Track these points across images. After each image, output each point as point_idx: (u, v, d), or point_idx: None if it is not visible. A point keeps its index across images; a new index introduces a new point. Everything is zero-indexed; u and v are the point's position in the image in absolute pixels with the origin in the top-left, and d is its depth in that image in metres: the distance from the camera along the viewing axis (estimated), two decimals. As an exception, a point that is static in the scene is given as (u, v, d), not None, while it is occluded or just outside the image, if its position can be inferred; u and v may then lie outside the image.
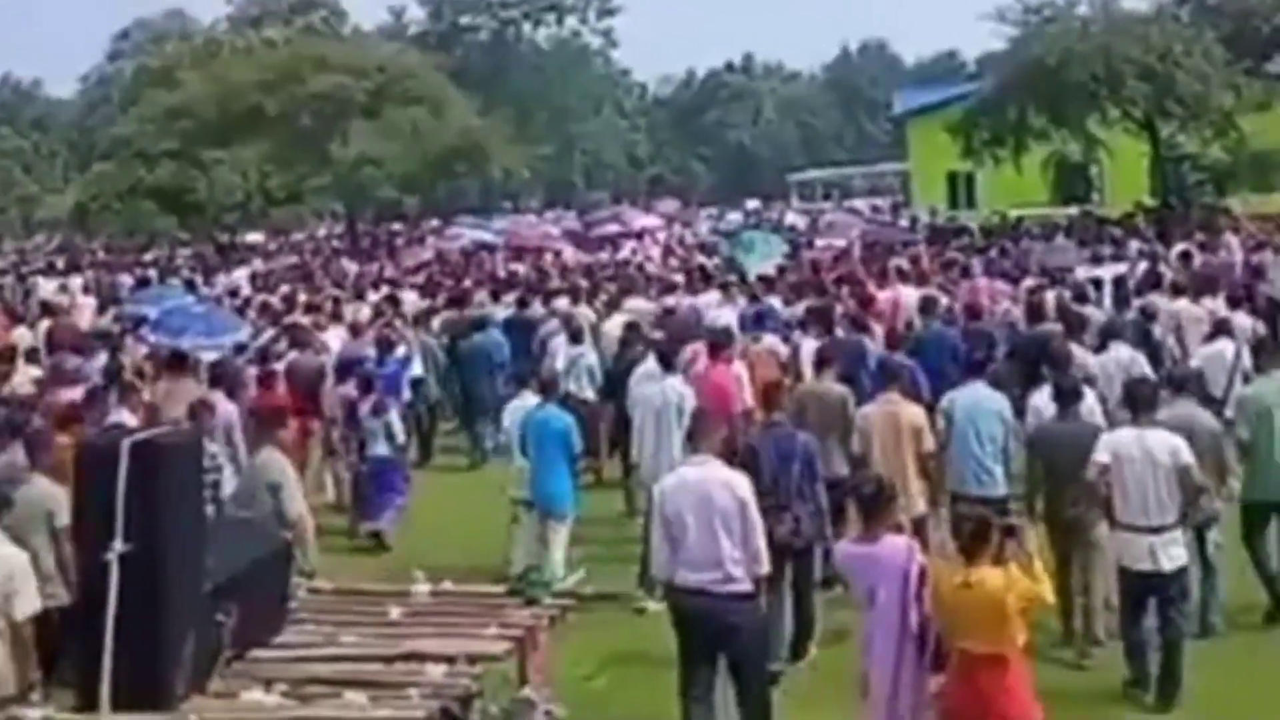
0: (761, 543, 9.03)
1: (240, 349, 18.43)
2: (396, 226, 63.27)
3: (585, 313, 20.60)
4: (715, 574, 8.86)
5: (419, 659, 8.06)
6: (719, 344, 14.61)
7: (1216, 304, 17.16)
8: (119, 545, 7.32)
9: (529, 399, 13.88)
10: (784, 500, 10.52)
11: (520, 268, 33.89)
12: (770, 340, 16.49)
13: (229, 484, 12.23)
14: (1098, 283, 20.04)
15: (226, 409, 13.43)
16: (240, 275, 35.54)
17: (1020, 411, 12.20)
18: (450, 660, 8.03)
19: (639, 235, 46.83)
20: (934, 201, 52.17)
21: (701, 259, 32.22)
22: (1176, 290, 18.33)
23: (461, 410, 20.34)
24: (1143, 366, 13.66)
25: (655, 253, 38.52)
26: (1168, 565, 9.71)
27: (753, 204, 69.78)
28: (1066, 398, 10.98)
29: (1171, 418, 10.43)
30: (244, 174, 52.33)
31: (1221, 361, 14.14)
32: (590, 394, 17.07)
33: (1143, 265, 22.56)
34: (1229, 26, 39.07)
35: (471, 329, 20.48)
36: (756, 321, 17.58)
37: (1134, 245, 26.74)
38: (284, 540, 9.28)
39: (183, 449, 7.95)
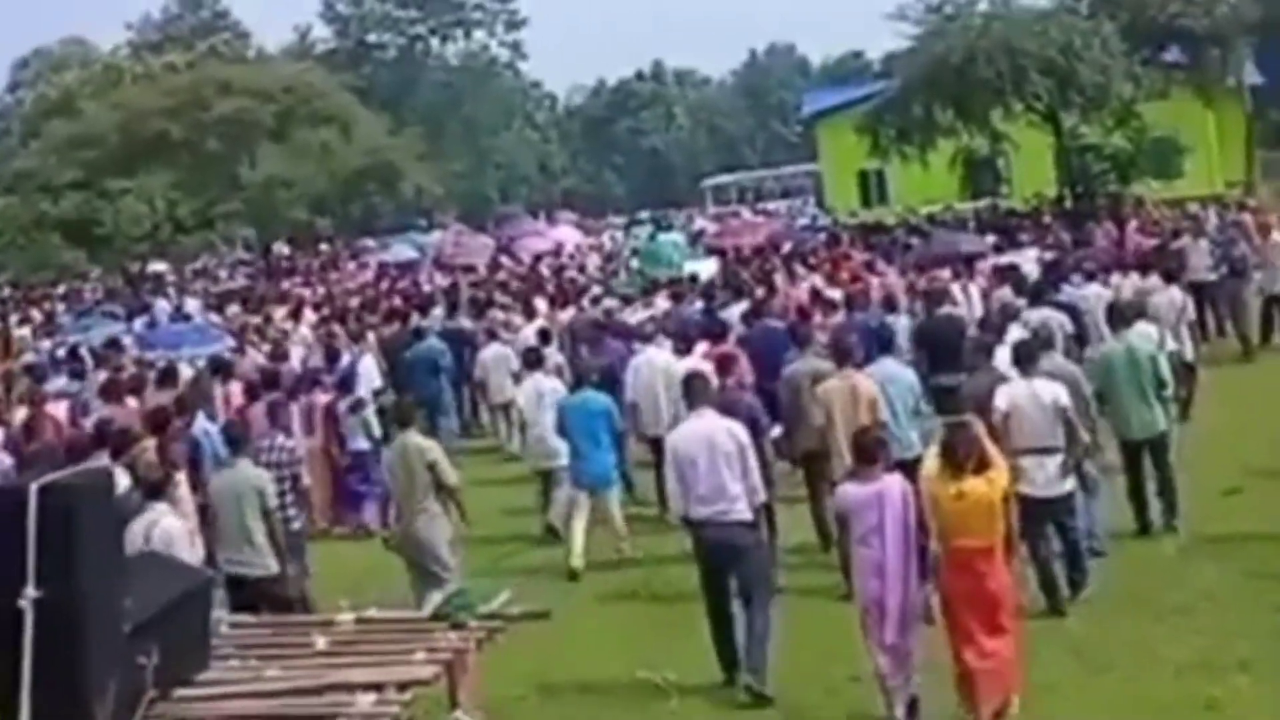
0: (758, 477, 10.78)
1: (220, 360, 20.21)
2: (323, 247, 62.78)
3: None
4: (720, 505, 10.57)
5: (347, 689, 7.94)
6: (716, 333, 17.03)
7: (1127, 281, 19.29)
8: (32, 591, 7.17)
9: (541, 380, 15.97)
10: None
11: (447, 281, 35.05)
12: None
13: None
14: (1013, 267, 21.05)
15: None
16: (192, 303, 36.75)
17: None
18: (378, 688, 7.91)
19: (556, 249, 47.04)
20: (846, 199, 52.71)
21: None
22: (1088, 275, 19.63)
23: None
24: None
25: (592, 261, 40.19)
26: (1057, 491, 11.68)
27: (644, 215, 70.12)
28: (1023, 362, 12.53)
29: (1053, 368, 12.52)
30: (151, 202, 51.68)
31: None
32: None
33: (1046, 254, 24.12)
34: (1126, 18, 39.52)
35: (413, 339, 21.67)
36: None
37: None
38: (203, 575, 9.16)
39: (94, 489, 7.81)
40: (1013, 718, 9.54)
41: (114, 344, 24.93)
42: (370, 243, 64.02)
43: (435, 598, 11.53)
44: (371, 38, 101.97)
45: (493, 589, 9.70)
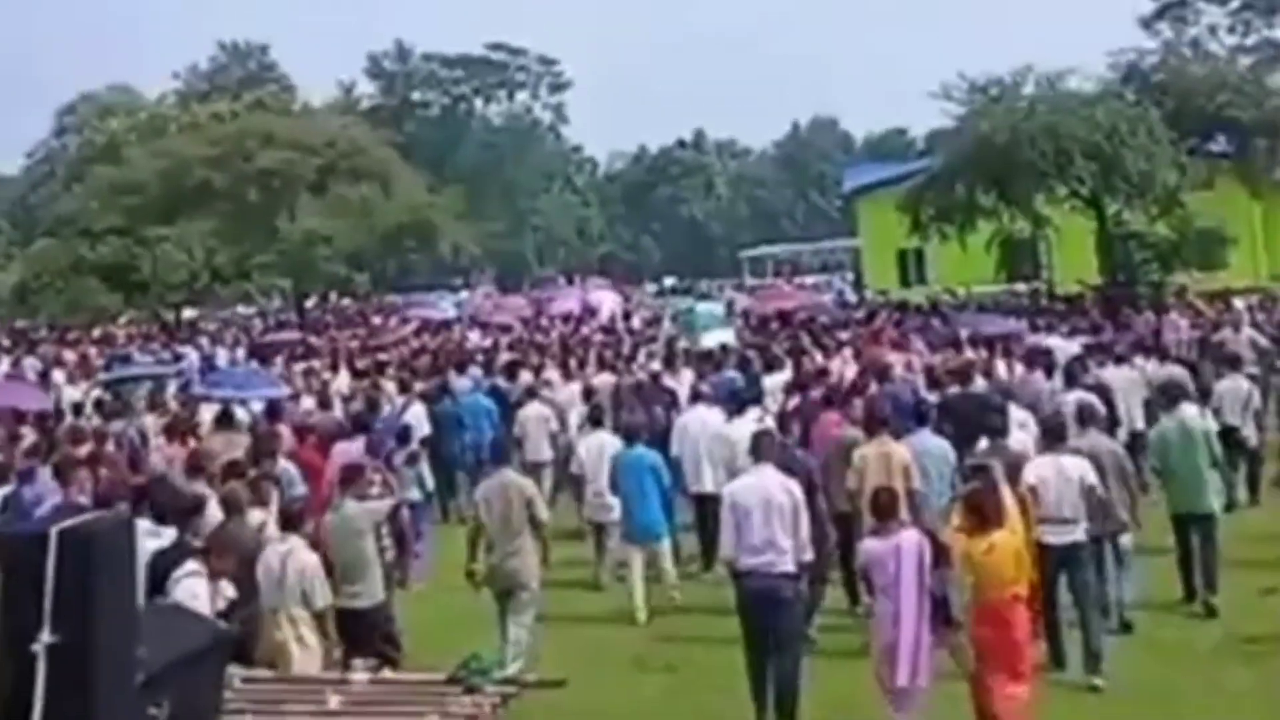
0: (807, 534, 11.41)
1: (273, 404, 21.08)
2: (345, 302, 63.25)
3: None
4: (769, 556, 11.23)
5: (359, 750, 7.80)
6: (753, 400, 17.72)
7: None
8: (47, 636, 7.02)
9: (604, 436, 16.56)
10: None
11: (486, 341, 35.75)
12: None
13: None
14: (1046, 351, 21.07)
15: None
16: (223, 353, 37.48)
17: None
18: (391, 751, 7.77)
19: (591, 311, 47.27)
20: (885, 277, 52.70)
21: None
22: (1118, 359, 20.09)
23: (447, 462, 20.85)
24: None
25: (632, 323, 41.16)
26: (1068, 540, 12.17)
27: (669, 282, 70.60)
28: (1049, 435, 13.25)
29: (1084, 445, 13.12)
30: (190, 250, 51.86)
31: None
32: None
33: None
34: (1172, 105, 39.46)
35: (440, 394, 22.23)
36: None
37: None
38: (219, 628, 9.02)
39: (113, 535, 7.67)
40: None
41: (161, 387, 26.27)
42: (397, 299, 64.47)
43: (523, 625, 12.83)
44: (415, 95, 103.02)
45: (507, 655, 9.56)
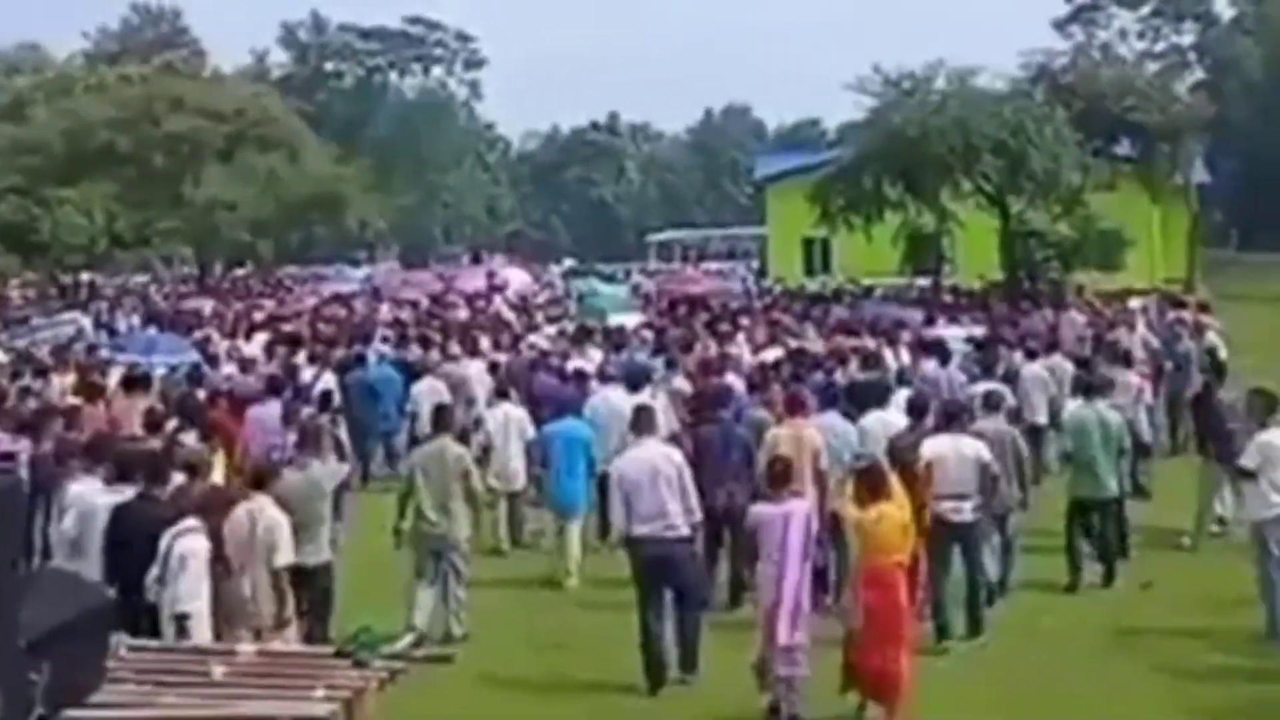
0: (694, 499, 12.12)
1: (195, 367, 21.95)
2: (238, 273, 62.72)
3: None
4: (661, 523, 11.85)
5: (241, 721, 7.74)
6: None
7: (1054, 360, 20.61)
8: (-77, 598, 6.94)
9: (509, 409, 17.06)
10: (724, 477, 13.71)
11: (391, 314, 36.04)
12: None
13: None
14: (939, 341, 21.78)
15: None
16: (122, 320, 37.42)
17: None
18: (273, 723, 7.72)
19: (498, 289, 47.18)
20: (790, 266, 53.05)
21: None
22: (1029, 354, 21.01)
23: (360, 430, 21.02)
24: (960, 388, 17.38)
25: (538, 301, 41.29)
26: (967, 518, 12.96)
27: (569, 263, 70.84)
28: (913, 413, 14.22)
29: (987, 427, 14.00)
30: (90, 213, 51.10)
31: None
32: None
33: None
34: (1079, 107, 40.03)
35: (355, 364, 22.76)
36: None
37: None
38: (103, 595, 8.92)
39: (1, 500, 7.58)
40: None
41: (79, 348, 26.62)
42: (297, 271, 64.05)
43: (458, 588, 13.35)
44: (329, 66, 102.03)
45: (397, 630, 9.58)
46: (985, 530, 13.47)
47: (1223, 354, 22.31)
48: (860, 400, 15.46)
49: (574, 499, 15.74)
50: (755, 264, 63.42)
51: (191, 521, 10.38)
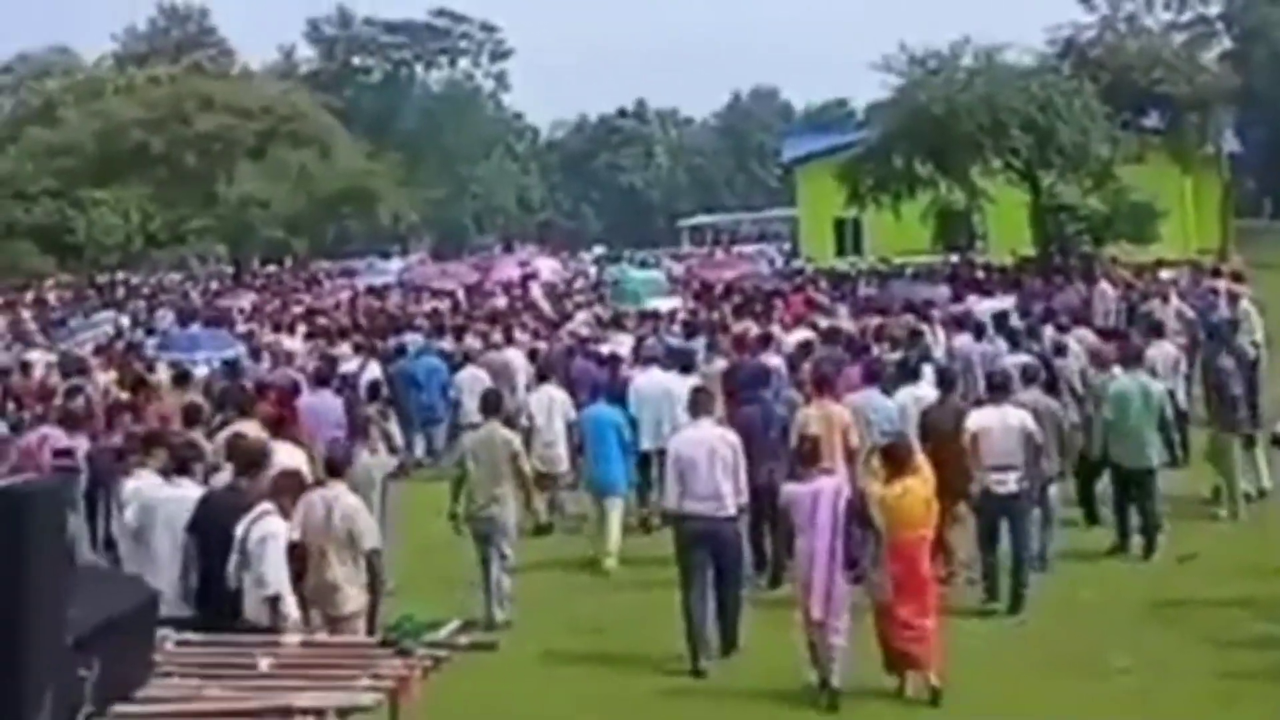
0: (744, 480, 12.41)
1: (234, 363, 21.85)
2: (270, 269, 63.01)
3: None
4: (713, 503, 12.13)
5: (287, 713, 7.82)
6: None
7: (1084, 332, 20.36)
8: (-25, 598, 7.05)
9: (551, 391, 17.33)
10: (764, 456, 13.66)
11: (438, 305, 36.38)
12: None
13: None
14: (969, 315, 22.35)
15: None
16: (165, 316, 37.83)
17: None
18: (319, 713, 7.77)
19: (530, 277, 47.48)
20: (822, 247, 52.99)
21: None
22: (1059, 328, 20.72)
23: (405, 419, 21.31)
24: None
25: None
26: (1013, 489, 13.14)
27: (598, 249, 70.95)
28: (942, 386, 14.80)
29: (1026, 399, 14.05)
30: (125, 214, 51.45)
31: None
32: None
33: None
34: (1108, 80, 39.85)
35: (396, 355, 23.33)
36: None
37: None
38: (149, 590, 9.05)
39: (44, 497, 7.69)
40: (938, 687, 10.90)
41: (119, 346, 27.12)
42: (328, 265, 64.32)
43: (502, 572, 13.57)
44: (356, 61, 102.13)
45: (440, 617, 9.67)
46: (1029, 502, 13.63)
47: (1257, 322, 22.30)
48: (892, 377, 15.68)
49: (609, 480, 15.99)
50: (786, 246, 63.31)
51: (266, 505, 10.52)
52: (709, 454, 12.22)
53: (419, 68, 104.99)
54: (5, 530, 7.12)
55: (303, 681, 8.33)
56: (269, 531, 10.27)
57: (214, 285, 54.60)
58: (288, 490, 10.86)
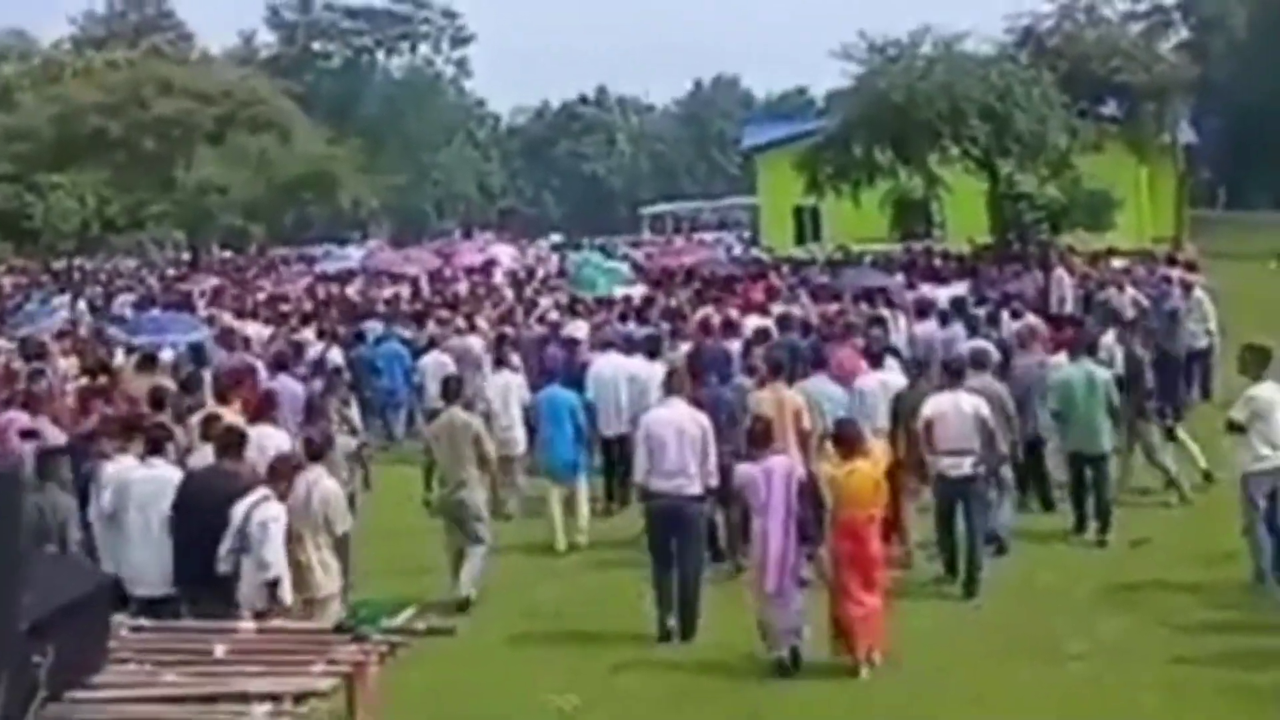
0: (714, 461, 12.66)
1: (198, 347, 21.49)
2: (226, 254, 62.82)
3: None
4: (680, 480, 12.50)
5: (243, 698, 7.83)
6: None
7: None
8: (-75, 584, 7.04)
9: (508, 376, 17.53)
10: (717, 438, 13.34)
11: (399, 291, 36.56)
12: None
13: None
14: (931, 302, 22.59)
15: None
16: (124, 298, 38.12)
17: None
18: (275, 698, 7.82)
19: (492, 263, 47.62)
20: (781, 235, 53.12)
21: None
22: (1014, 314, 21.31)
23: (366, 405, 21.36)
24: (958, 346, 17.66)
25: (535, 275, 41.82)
26: (967, 473, 13.52)
27: (556, 238, 70.92)
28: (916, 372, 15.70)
29: (977, 384, 14.31)
30: (82, 199, 51.12)
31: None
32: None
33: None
34: (1065, 69, 39.99)
35: (355, 341, 23.60)
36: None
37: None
38: (105, 576, 9.06)
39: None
40: (877, 664, 11.30)
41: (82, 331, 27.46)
42: (283, 251, 64.14)
43: (477, 553, 13.74)
44: (316, 46, 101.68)
45: (397, 603, 9.73)
46: (984, 486, 13.98)
47: (1210, 310, 22.54)
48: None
49: (563, 462, 16.18)
50: (747, 234, 63.40)
51: (264, 490, 10.78)
52: (678, 433, 12.55)
53: (380, 54, 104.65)
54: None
55: (259, 667, 8.35)
56: (270, 516, 10.54)
57: (170, 271, 54.39)
58: (284, 474, 11.05)
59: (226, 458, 11.53)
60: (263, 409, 14.11)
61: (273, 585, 10.43)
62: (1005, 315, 21.17)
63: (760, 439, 11.98)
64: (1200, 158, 59.12)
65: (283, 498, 10.81)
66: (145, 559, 11.21)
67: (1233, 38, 68.14)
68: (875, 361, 15.95)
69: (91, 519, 11.88)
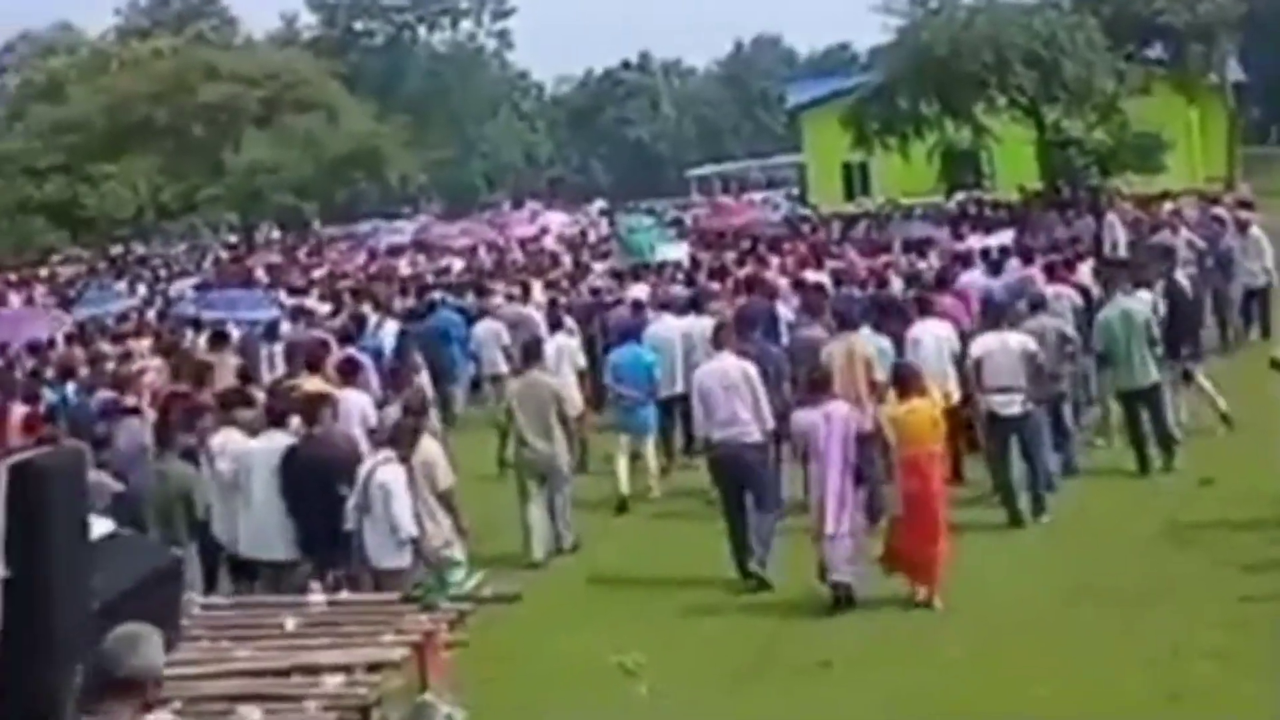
0: (765, 407, 13.08)
1: (273, 324, 22.55)
2: (275, 235, 63.36)
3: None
4: (735, 429, 12.92)
5: (315, 670, 7.96)
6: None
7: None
8: (1, 569, 7.17)
9: (561, 339, 17.97)
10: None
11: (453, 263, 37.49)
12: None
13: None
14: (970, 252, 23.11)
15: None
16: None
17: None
18: (347, 670, 7.94)
19: (544, 232, 48.00)
20: (830, 191, 53.04)
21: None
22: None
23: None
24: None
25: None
26: (1017, 410, 13.94)
27: (600, 204, 70.92)
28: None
29: (1033, 325, 14.95)
30: (135, 186, 51.54)
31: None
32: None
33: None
34: (1109, 13, 39.57)
35: (426, 310, 23.73)
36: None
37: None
38: (172, 556, 9.20)
39: (64, 468, 7.81)
40: (938, 607, 11.72)
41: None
42: (332, 230, 64.52)
43: (563, 505, 14.59)
44: (358, 25, 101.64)
45: (465, 572, 9.94)
46: (1038, 421, 14.31)
47: (1267, 248, 22.37)
48: (901, 314, 16.36)
49: (642, 418, 16.78)
50: (795, 191, 63.23)
51: (387, 452, 11.36)
52: (724, 384, 13.03)
53: (421, 30, 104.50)
54: (26, 502, 7.25)
55: (329, 639, 8.48)
56: (390, 476, 11.09)
57: (223, 255, 54.81)
58: (406, 437, 11.58)
59: (314, 425, 11.97)
60: (347, 376, 14.60)
61: (415, 542, 11.02)
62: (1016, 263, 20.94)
63: (818, 385, 12.36)
64: (1251, 95, 58.35)
65: (404, 460, 11.27)
66: (269, 526, 11.62)
67: (1279, -29, 67.13)
68: (925, 310, 16.09)
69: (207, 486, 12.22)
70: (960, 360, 14.92)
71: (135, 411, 14.79)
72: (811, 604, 12.11)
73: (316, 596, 9.39)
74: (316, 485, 11.41)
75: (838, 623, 11.67)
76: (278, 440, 11.90)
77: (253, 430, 12.15)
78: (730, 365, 13.31)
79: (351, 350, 17.65)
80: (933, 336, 15.32)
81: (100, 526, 8.22)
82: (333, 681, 7.81)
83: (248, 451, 11.90)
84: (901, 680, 10.34)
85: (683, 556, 13.87)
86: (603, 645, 11.24)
